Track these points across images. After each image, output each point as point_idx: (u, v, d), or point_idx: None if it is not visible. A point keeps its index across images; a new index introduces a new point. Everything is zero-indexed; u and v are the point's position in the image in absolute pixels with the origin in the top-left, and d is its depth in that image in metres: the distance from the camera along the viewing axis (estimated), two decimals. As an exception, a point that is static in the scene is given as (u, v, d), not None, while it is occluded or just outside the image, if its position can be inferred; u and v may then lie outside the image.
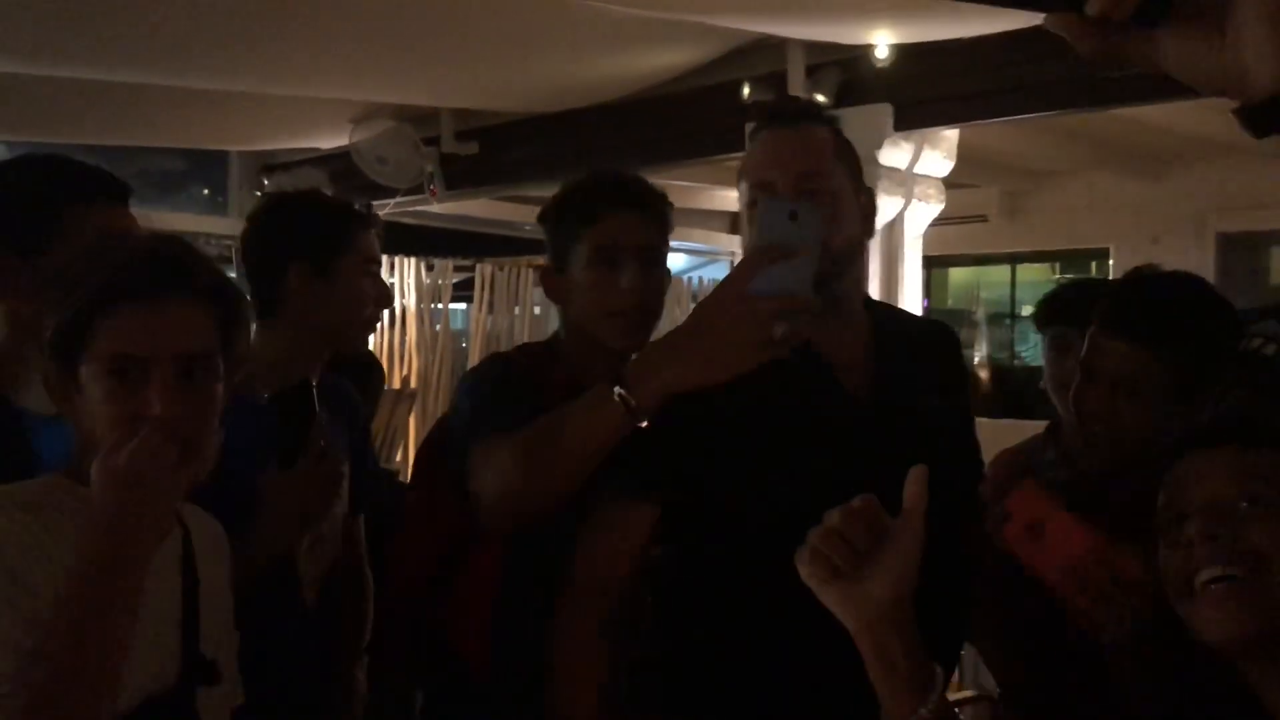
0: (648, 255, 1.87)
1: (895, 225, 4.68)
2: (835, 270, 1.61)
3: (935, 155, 4.68)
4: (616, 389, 1.47)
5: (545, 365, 1.87)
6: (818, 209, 1.43)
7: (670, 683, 1.67)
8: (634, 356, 1.64)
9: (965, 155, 5.43)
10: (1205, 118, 5.78)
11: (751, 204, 1.66)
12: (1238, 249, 7.56)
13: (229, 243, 6.57)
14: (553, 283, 1.93)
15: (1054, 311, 2.61)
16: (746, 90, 4.56)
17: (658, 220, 1.90)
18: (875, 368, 1.69)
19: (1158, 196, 7.37)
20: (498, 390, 1.78)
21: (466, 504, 1.65)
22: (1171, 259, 7.49)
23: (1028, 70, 4.09)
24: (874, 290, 4.59)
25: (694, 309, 1.58)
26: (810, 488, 1.54)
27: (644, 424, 1.52)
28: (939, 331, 1.93)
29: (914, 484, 1.18)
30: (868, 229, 1.73)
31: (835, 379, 1.66)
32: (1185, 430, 1.34)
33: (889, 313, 1.83)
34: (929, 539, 1.17)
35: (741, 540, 1.60)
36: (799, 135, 1.69)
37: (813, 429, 1.62)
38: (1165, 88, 3.98)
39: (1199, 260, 7.44)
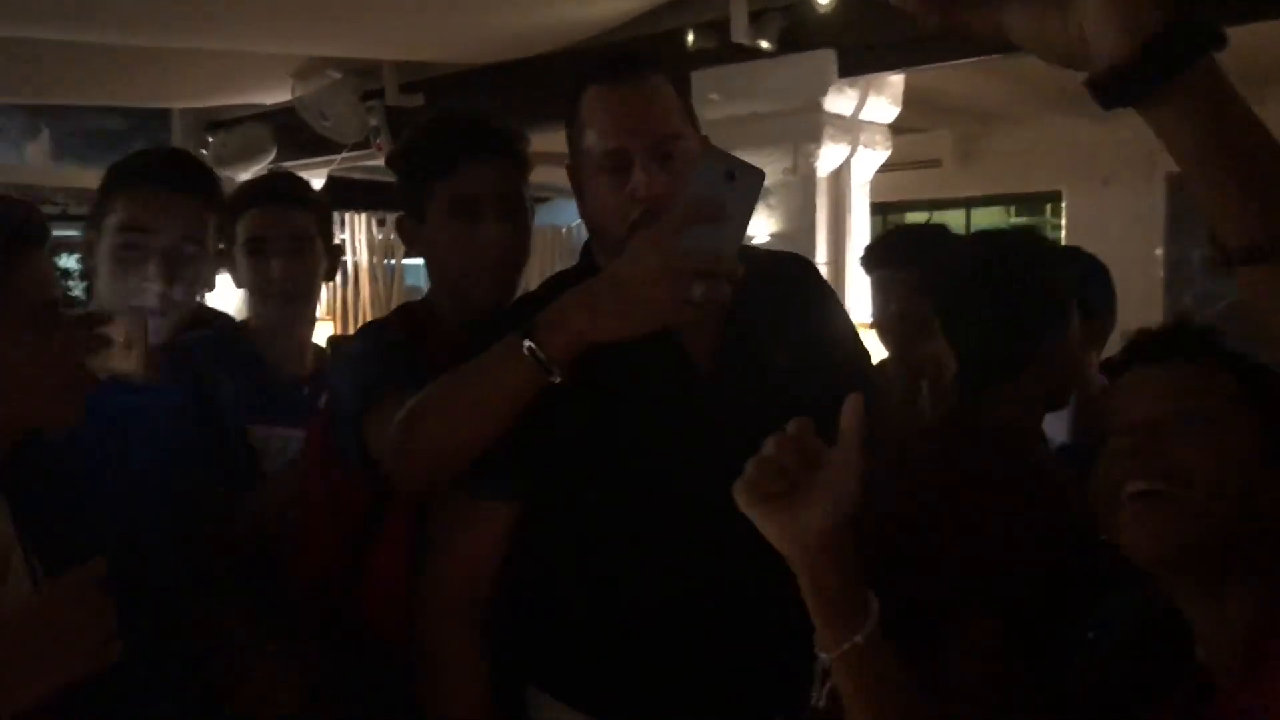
0: (508, 204, 1.79)
1: (842, 172, 4.68)
2: None
3: (881, 101, 4.67)
4: (526, 342, 1.38)
5: (424, 323, 1.82)
6: (758, 172, 1.34)
7: (542, 665, 1.64)
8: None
9: (916, 99, 5.42)
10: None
11: (581, 170, 1.58)
12: (1187, 189, 7.61)
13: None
14: (410, 233, 1.85)
15: (879, 256, 2.64)
16: (691, 37, 4.54)
17: (517, 165, 1.82)
18: (723, 325, 1.60)
19: (1108, 138, 7.39)
20: (380, 354, 1.72)
21: (366, 476, 1.61)
22: (1122, 200, 7.57)
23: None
24: (820, 238, 4.59)
25: (614, 260, 1.49)
26: (663, 462, 1.54)
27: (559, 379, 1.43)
28: (792, 263, 1.81)
29: (849, 411, 1.15)
30: None
31: (681, 346, 1.59)
32: (1127, 347, 1.32)
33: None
34: None
35: (602, 523, 1.57)
36: (646, 93, 1.56)
37: (662, 400, 1.57)
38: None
39: (1149, 201, 7.51)
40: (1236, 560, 1.14)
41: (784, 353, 1.62)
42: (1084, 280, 2.32)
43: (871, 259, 2.64)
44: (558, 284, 1.60)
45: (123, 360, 1.48)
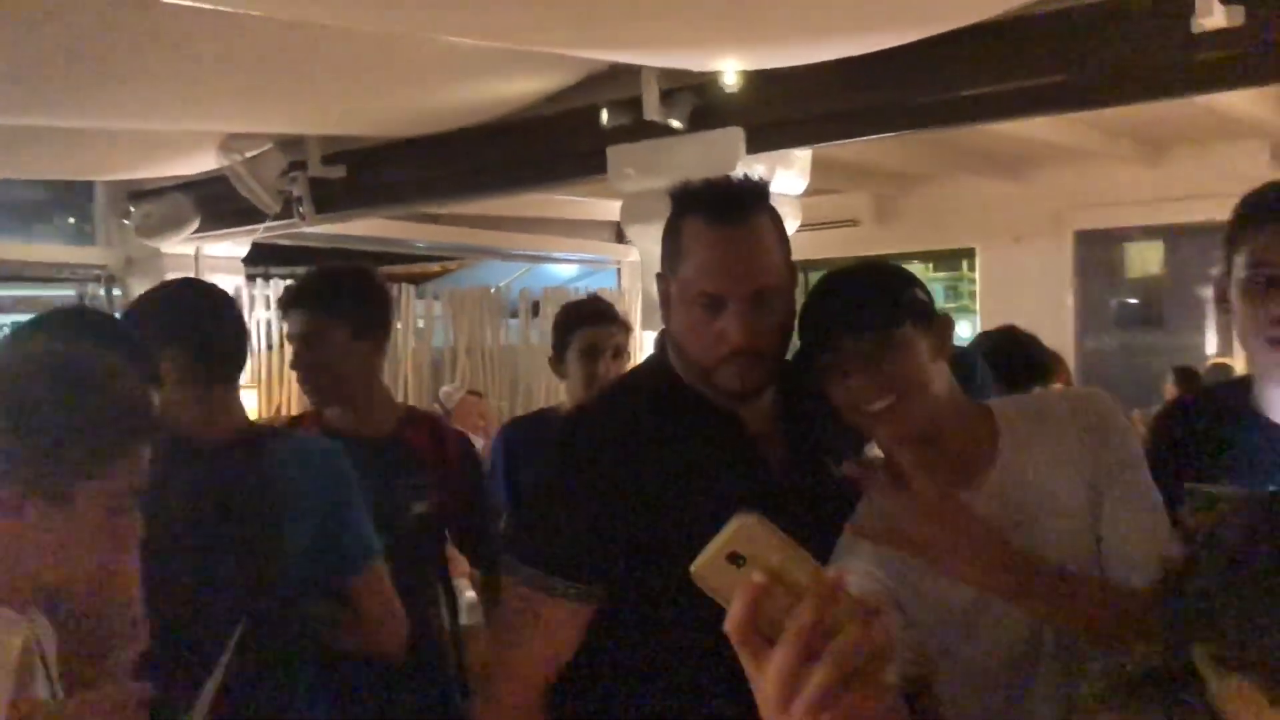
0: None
1: (753, 243, 4.80)
2: (778, 359, 1.65)
3: (790, 175, 4.80)
4: None
5: None
6: None
7: None
8: None
9: (831, 163, 5.54)
10: (1056, 125, 6.02)
11: (675, 290, 1.64)
12: (1094, 245, 7.88)
13: (97, 272, 6.51)
14: None
15: None
16: (605, 115, 4.66)
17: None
18: (786, 432, 1.71)
19: (1018, 197, 7.64)
20: None
21: None
22: (1033, 255, 7.78)
23: (874, 93, 4.24)
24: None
25: None
26: None
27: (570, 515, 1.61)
28: None
29: None
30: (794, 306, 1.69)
31: (757, 451, 1.67)
32: None
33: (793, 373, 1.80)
34: None
35: (675, 619, 1.60)
36: (750, 238, 1.61)
37: (740, 501, 1.67)
38: (1006, 107, 4.18)
39: (1058, 256, 7.75)
40: None
41: (833, 463, 1.71)
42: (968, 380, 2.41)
43: None
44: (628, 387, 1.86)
45: None
